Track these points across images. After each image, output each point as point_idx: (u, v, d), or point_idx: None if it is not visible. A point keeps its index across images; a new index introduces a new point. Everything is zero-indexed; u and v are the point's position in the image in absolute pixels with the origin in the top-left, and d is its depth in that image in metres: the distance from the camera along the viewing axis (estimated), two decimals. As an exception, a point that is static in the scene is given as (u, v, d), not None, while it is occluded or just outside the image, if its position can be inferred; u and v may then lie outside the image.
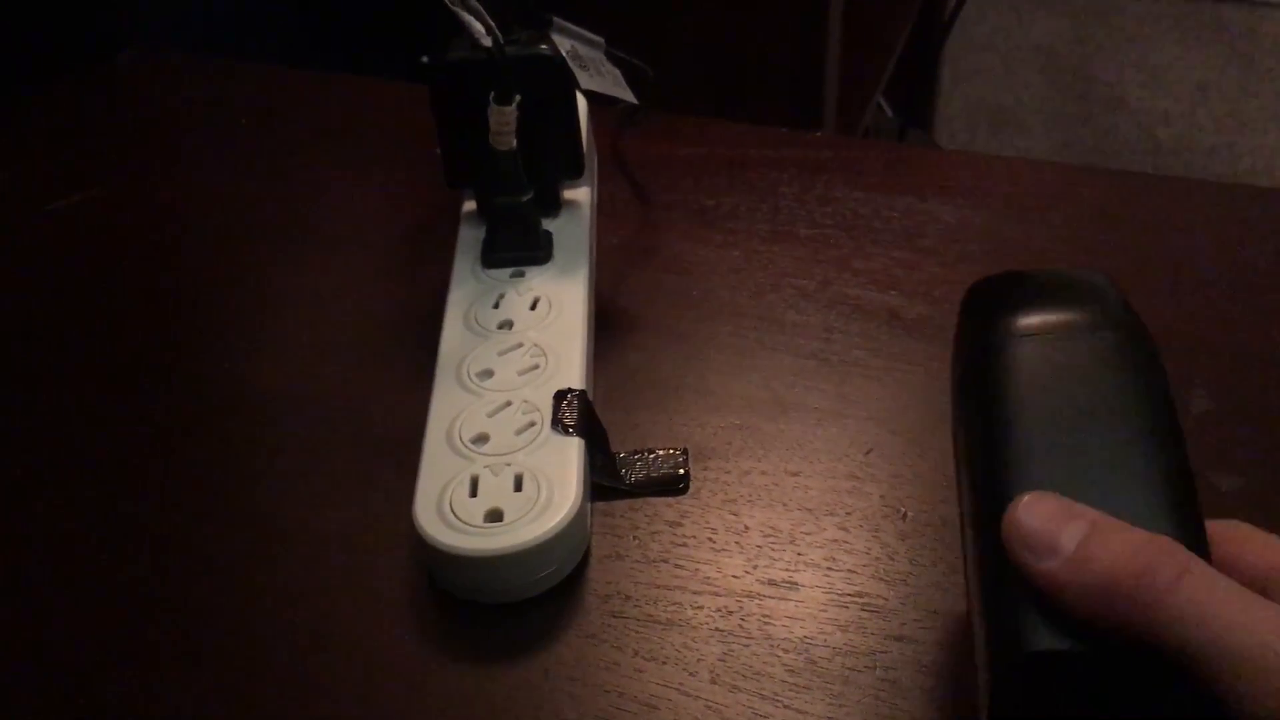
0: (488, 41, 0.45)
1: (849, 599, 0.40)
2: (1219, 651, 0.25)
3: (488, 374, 0.44)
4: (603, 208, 0.58)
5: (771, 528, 0.42)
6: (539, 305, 0.47)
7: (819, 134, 0.64)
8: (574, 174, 0.51)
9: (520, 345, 0.45)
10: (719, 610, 0.40)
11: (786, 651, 0.38)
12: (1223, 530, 0.30)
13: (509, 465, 0.41)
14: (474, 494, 0.40)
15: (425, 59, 0.48)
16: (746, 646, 0.39)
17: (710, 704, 0.37)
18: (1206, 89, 2.10)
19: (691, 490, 0.44)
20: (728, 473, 0.44)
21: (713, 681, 0.38)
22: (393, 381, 0.49)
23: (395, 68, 0.65)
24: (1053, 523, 0.28)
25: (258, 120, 0.68)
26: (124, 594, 0.42)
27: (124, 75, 0.74)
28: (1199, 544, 0.28)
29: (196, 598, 0.41)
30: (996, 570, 0.29)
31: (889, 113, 1.67)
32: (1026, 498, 0.28)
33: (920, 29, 1.51)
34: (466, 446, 0.42)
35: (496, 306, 0.47)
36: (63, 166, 0.65)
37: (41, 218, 0.61)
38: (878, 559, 0.41)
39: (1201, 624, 0.25)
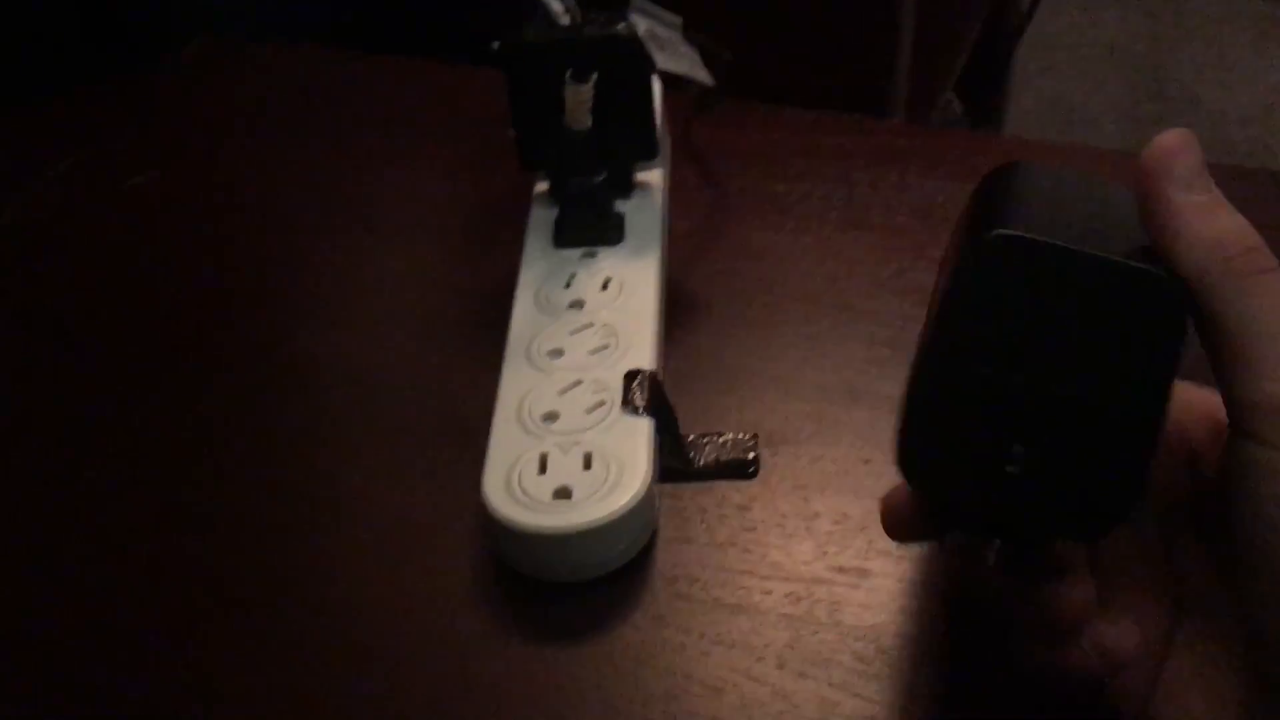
0: (565, 20, 0.44)
1: (920, 587, 0.39)
2: (1263, 336, 0.27)
3: (558, 353, 0.44)
4: (674, 193, 0.57)
5: (842, 514, 0.42)
6: (610, 286, 0.47)
7: (892, 121, 0.63)
8: (648, 156, 0.51)
9: (591, 325, 0.45)
10: (787, 596, 0.39)
11: (856, 639, 0.38)
12: None
13: (578, 444, 0.40)
14: (543, 471, 0.40)
15: (496, 44, 0.47)
16: (815, 633, 0.38)
17: (777, 689, 0.37)
18: (1285, 90, 2.05)
19: (761, 475, 0.43)
20: (798, 458, 0.44)
21: (780, 667, 0.37)
22: (463, 360, 0.49)
23: (460, 51, 0.65)
24: (1198, 166, 0.29)
25: (326, 104, 0.69)
26: (189, 572, 0.42)
27: (195, 62, 0.75)
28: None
29: (262, 577, 0.42)
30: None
31: (958, 109, 1.65)
32: (1179, 132, 0.29)
33: (992, 25, 1.49)
34: (536, 424, 0.41)
35: (568, 286, 0.47)
36: (138, 148, 0.66)
37: (114, 198, 0.62)
38: (950, 549, 0.40)
39: (1267, 307, 0.27)
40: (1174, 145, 0.29)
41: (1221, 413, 0.30)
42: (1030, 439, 0.29)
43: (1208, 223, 0.28)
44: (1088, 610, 0.31)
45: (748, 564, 0.40)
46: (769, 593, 0.39)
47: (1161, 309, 0.28)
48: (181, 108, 0.71)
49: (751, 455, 0.44)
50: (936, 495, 0.31)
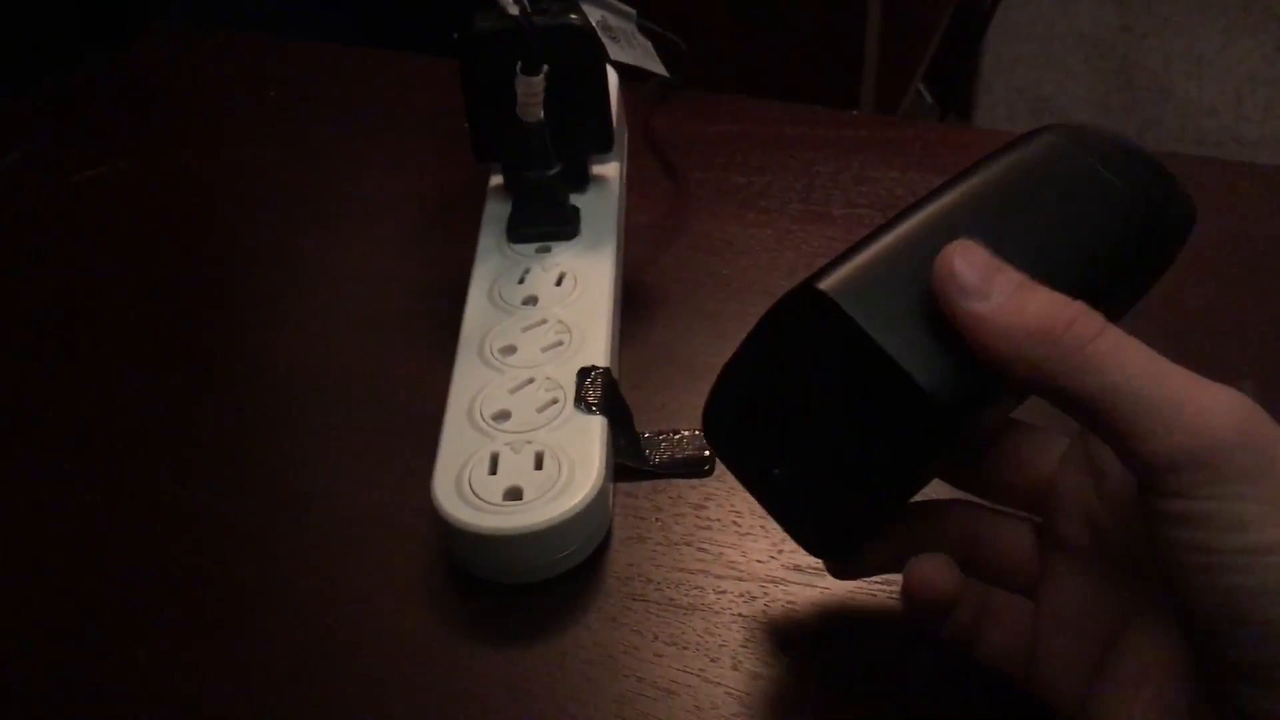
0: (514, 10, 0.44)
1: (876, 586, 0.39)
2: (1132, 397, 0.26)
3: (510, 350, 0.43)
4: (633, 185, 0.57)
5: (798, 512, 0.41)
6: (564, 281, 0.46)
7: (855, 113, 0.62)
8: (603, 148, 0.50)
9: (544, 321, 0.45)
10: (742, 595, 0.39)
11: (811, 639, 0.37)
12: None
13: (530, 443, 0.40)
14: (493, 472, 0.39)
15: (455, 36, 0.47)
16: (770, 633, 0.38)
17: (731, 690, 0.36)
18: (1254, 79, 2.06)
19: (717, 473, 0.43)
20: (755, 455, 0.43)
21: (734, 668, 0.37)
22: (415, 356, 0.48)
23: (425, 42, 0.64)
24: (986, 270, 0.29)
25: (285, 94, 0.68)
26: (144, 567, 0.41)
27: (152, 49, 0.74)
28: None
29: (213, 573, 0.41)
30: None
31: (928, 99, 1.65)
32: (959, 244, 0.29)
33: (961, 14, 1.48)
34: (487, 423, 0.41)
35: (521, 282, 0.47)
36: (90, 139, 0.65)
37: (66, 189, 0.61)
38: (908, 546, 0.40)
39: (1120, 370, 0.27)
40: (951, 258, 0.29)
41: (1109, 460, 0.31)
42: (792, 460, 0.32)
43: (1018, 317, 0.28)
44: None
45: (703, 563, 0.40)
46: (724, 593, 0.39)
47: (920, 421, 0.29)
48: (137, 97, 0.69)
49: (707, 453, 0.43)
50: (727, 462, 0.35)
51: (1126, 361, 0.27)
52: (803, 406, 0.31)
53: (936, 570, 0.33)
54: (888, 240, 0.31)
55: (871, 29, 1.05)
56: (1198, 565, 0.26)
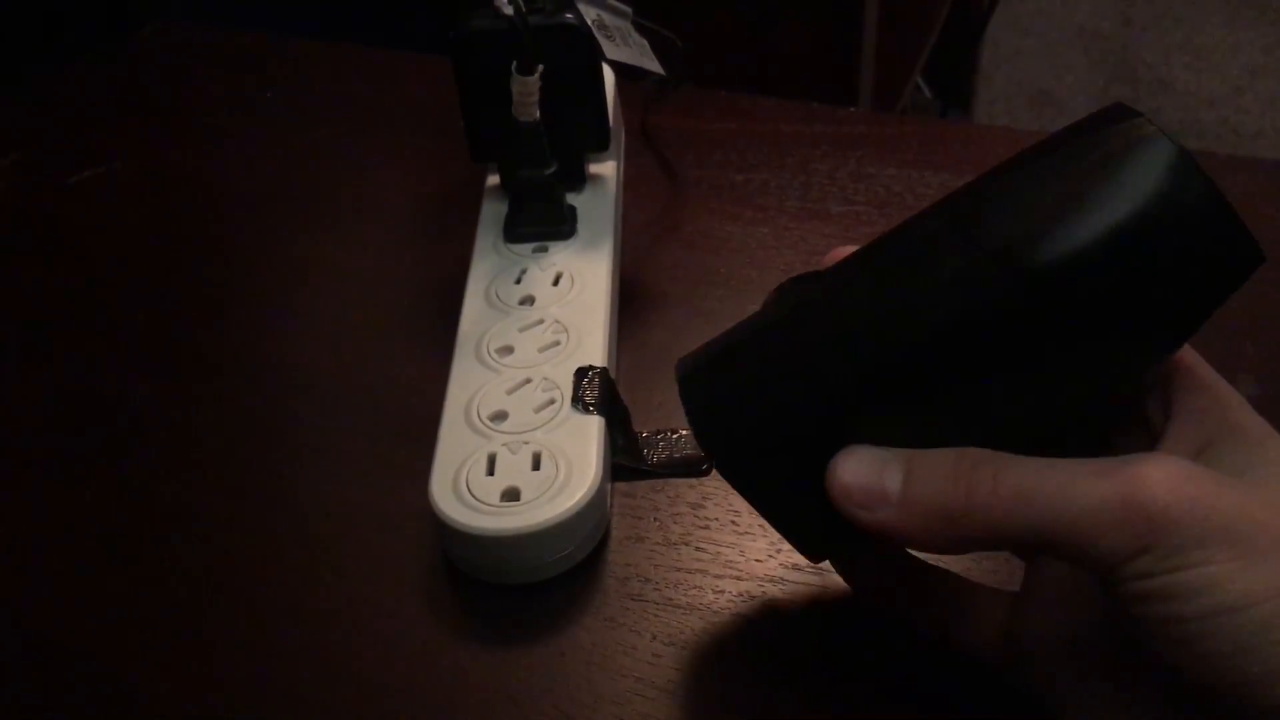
0: (509, 10, 0.43)
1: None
2: (1058, 518, 0.27)
3: (508, 350, 0.43)
4: (630, 183, 0.56)
5: (796, 511, 0.41)
6: (561, 281, 0.46)
7: (853, 109, 0.62)
8: (599, 147, 0.50)
9: (541, 321, 0.44)
10: (740, 595, 0.39)
11: (809, 638, 0.37)
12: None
13: (527, 444, 0.40)
14: (491, 472, 0.39)
15: (451, 34, 0.47)
16: (768, 632, 0.38)
17: (728, 691, 0.36)
18: (1254, 71, 2.05)
19: (715, 472, 0.43)
20: (753, 454, 0.43)
21: (732, 668, 0.37)
22: (413, 357, 0.48)
23: (421, 41, 0.64)
24: (872, 473, 0.29)
25: (280, 93, 0.68)
26: (140, 568, 0.41)
27: (147, 49, 0.74)
28: None
29: (210, 574, 0.41)
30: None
31: (928, 94, 1.65)
32: (841, 459, 0.30)
33: (961, 8, 1.48)
34: (485, 424, 0.41)
35: (518, 282, 0.47)
36: (86, 141, 0.65)
37: (63, 189, 0.61)
38: (906, 545, 0.40)
39: (1036, 506, 0.27)
40: (837, 479, 0.30)
41: None
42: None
43: (915, 514, 0.29)
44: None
45: (701, 563, 0.40)
46: (722, 592, 0.39)
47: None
48: (133, 97, 0.69)
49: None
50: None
51: (1035, 493, 0.27)
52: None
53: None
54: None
55: (869, 24, 1.05)
56: (1173, 638, 0.26)
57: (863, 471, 0.29)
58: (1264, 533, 0.26)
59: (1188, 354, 0.31)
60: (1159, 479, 0.26)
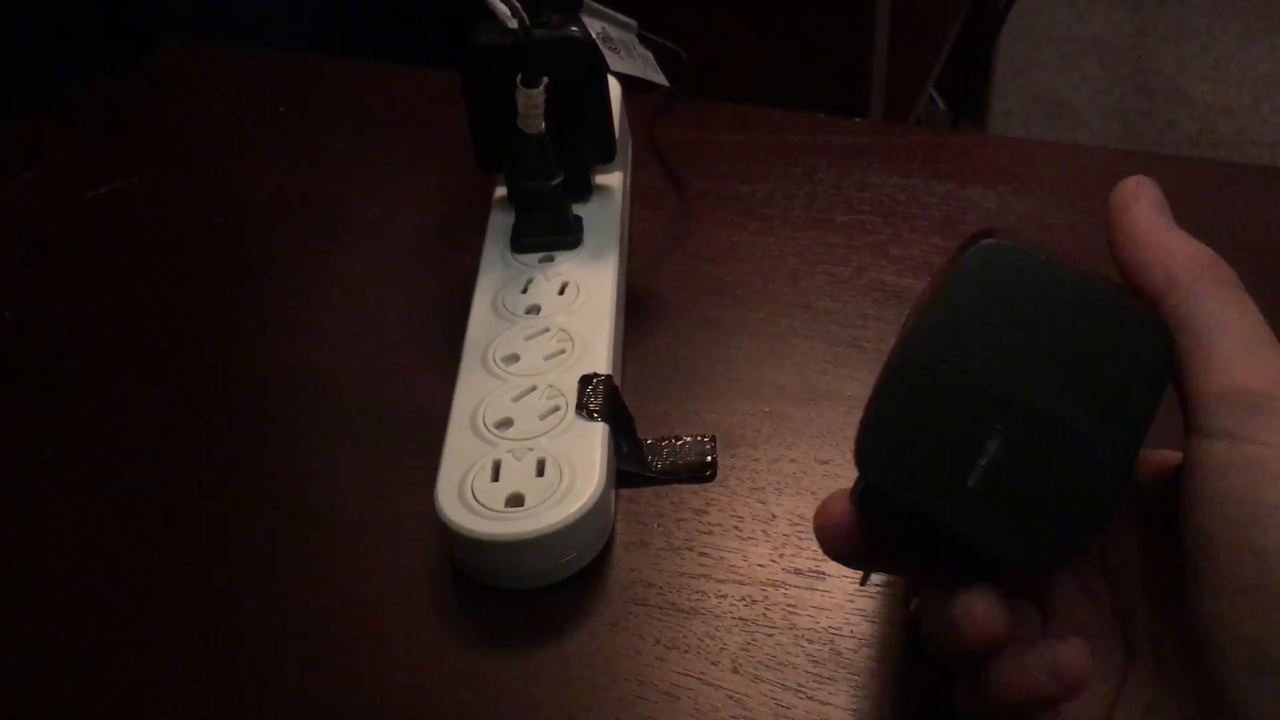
0: (513, 24, 0.44)
1: (876, 589, 0.39)
2: (1225, 335, 0.28)
3: (513, 359, 0.44)
4: (637, 194, 0.57)
5: (799, 516, 0.41)
6: (567, 290, 0.47)
7: (858, 120, 0.63)
8: (605, 158, 0.50)
9: (547, 330, 0.45)
10: (743, 599, 0.39)
11: (811, 642, 0.38)
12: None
13: (532, 450, 0.40)
14: (496, 479, 0.39)
15: (459, 48, 0.47)
16: (770, 636, 0.38)
17: (732, 694, 0.36)
18: (1271, 81, 2.05)
19: (719, 478, 0.43)
20: (756, 460, 0.44)
21: (735, 671, 0.37)
22: (421, 366, 0.49)
23: (429, 56, 0.65)
24: (1164, 202, 0.32)
25: (295, 108, 0.69)
26: (149, 575, 0.42)
27: (165, 66, 0.75)
28: None
29: (220, 580, 0.41)
30: None
31: (942, 105, 1.65)
32: (1137, 177, 0.32)
33: (974, 19, 1.48)
34: (490, 431, 0.41)
35: (525, 291, 0.47)
36: (105, 156, 0.66)
37: (82, 204, 0.62)
38: (907, 549, 0.40)
39: (1233, 314, 0.29)
40: (1141, 182, 0.32)
41: (1168, 461, 0.31)
42: (998, 451, 0.28)
43: (1180, 241, 0.30)
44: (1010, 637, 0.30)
45: (704, 568, 0.40)
46: (724, 596, 0.39)
47: (1151, 349, 0.28)
48: (150, 113, 0.70)
49: (709, 458, 0.44)
50: (888, 495, 0.29)
51: (1244, 313, 0.29)
52: (1002, 388, 0.28)
53: (988, 606, 0.29)
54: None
55: (880, 36, 1.05)
56: (1234, 518, 0.26)
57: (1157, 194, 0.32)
58: None
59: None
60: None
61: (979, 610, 0.29)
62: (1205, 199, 0.55)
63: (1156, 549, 0.31)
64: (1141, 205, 0.31)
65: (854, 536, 0.32)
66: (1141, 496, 0.32)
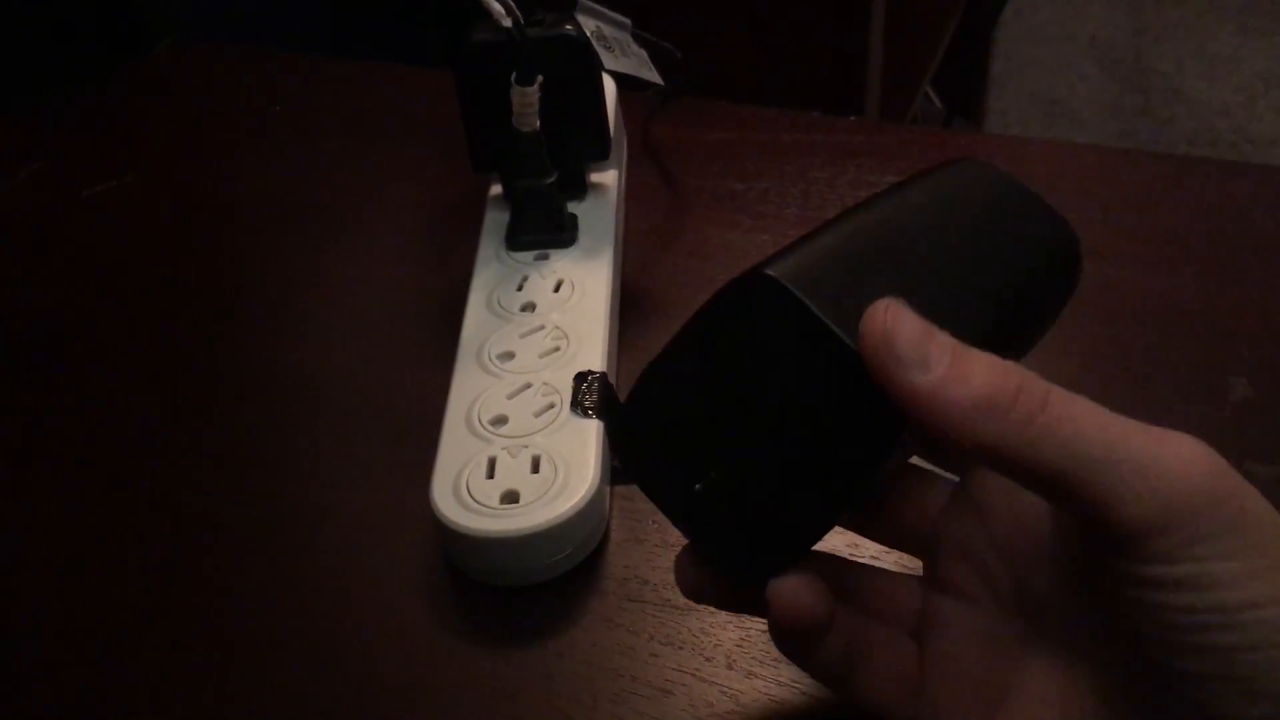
0: (507, 23, 0.44)
1: (870, 585, 0.39)
2: (1095, 466, 0.25)
3: (508, 356, 0.44)
4: (632, 192, 0.57)
5: (793, 513, 0.41)
6: (562, 288, 0.47)
7: (852, 119, 0.63)
8: (599, 156, 0.51)
9: (542, 328, 0.45)
10: (737, 595, 0.39)
11: (804, 638, 0.38)
12: None
13: (526, 447, 0.40)
14: (491, 475, 0.40)
15: (454, 47, 0.47)
16: (764, 632, 0.38)
17: (726, 689, 0.36)
18: (1267, 80, 2.05)
19: (714, 475, 0.43)
20: (750, 457, 0.44)
21: (729, 667, 0.37)
22: (416, 364, 0.49)
23: (425, 55, 0.65)
24: (920, 337, 0.26)
25: (290, 108, 0.69)
26: (147, 573, 0.42)
27: (160, 66, 0.75)
28: None
29: (215, 577, 0.42)
30: None
31: (938, 104, 1.65)
32: (887, 305, 0.26)
33: (970, 18, 1.49)
34: (485, 428, 0.41)
35: (520, 289, 0.47)
36: (101, 155, 0.66)
37: (78, 203, 0.62)
38: (901, 545, 0.40)
39: (1076, 440, 0.25)
40: (882, 325, 0.26)
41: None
42: (724, 469, 0.29)
43: (962, 389, 0.26)
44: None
45: (698, 564, 0.40)
46: (718, 593, 0.39)
47: (871, 418, 0.27)
48: (146, 113, 0.70)
49: (704, 455, 0.44)
50: (639, 482, 0.31)
51: (1081, 428, 0.25)
52: (739, 408, 0.29)
53: (806, 590, 0.29)
54: (827, 239, 0.29)
55: (875, 34, 1.05)
56: (1181, 625, 0.25)
57: (913, 327, 0.26)
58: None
59: None
60: (1196, 460, 0.25)
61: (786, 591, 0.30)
62: (1202, 197, 0.55)
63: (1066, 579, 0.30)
64: (900, 363, 0.26)
65: (706, 584, 0.32)
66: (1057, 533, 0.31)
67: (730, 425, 0.29)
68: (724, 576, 0.31)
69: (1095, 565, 0.28)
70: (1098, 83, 2.09)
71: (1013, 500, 0.31)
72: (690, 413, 0.30)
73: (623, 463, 0.32)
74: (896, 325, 0.26)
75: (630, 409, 0.31)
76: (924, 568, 0.33)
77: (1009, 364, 0.26)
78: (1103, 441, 0.25)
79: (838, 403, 0.28)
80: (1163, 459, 0.25)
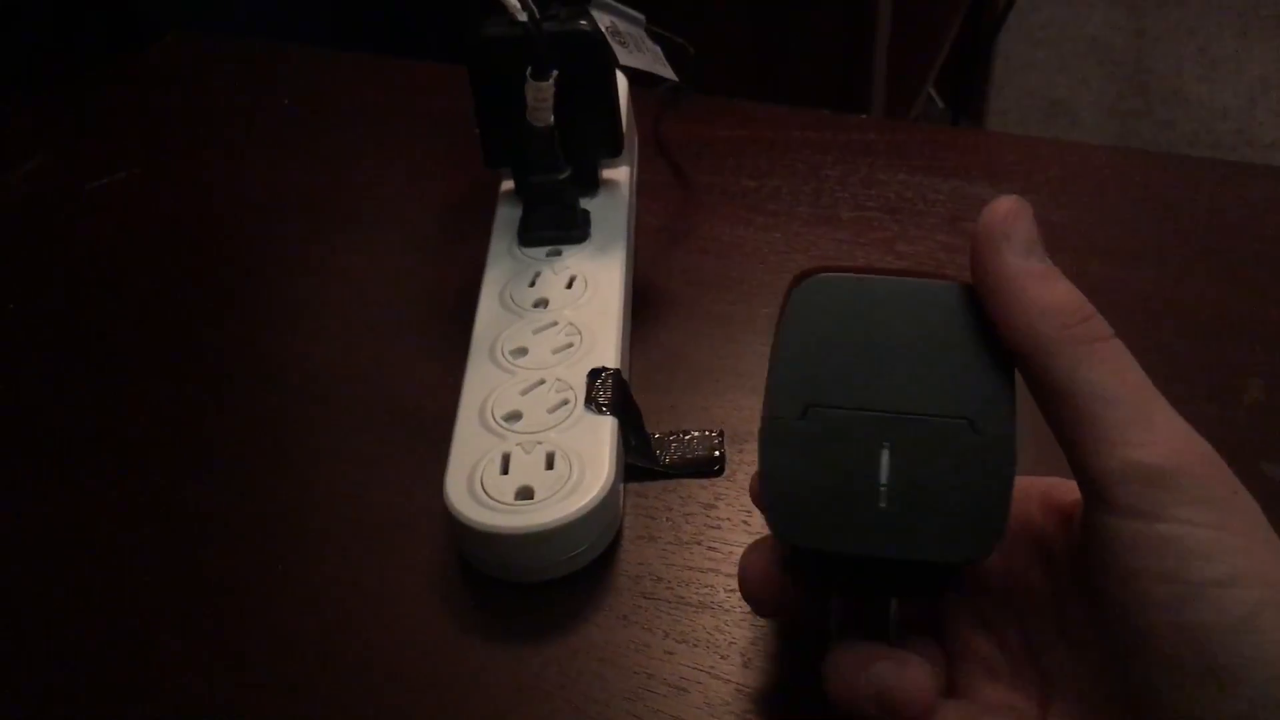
0: (523, 17, 0.44)
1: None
2: (1115, 403, 0.26)
3: (522, 352, 0.44)
4: (643, 189, 0.57)
5: (807, 511, 0.41)
6: (575, 284, 0.47)
7: (864, 116, 0.63)
8: (613, 152, 0.50)
9: (555, 324, 0.45)
10: (752, 593, 0.39)
11: (819, 636, 0.37)
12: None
13: (541, 443, 0.40)
14: (505, 471, 0.39)
15: (467, 41, 0.47)
16: (779, 631, 0.38)
17: (742, 688, 0.36)
18: (1268, 82, 2.05)
19: (727, 473, 0.43)
20: (764, 455, 0.44)
21: (744, 665, 0.37)
22: (428, 359, 0.49)
23: (436, 49, 0.65)
24: (1035, 236, 0.28)
25: (298, 101, 0.69)
26: (155, 570, 0.42)
27: (165, 59, 0.74)
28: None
29: (227, 573, 0.41)
30: None
31: (939, 104, 1.65)
32: (1008, 200, 0.28)
33: (973, 19, 1.49)
34: (499, 424, 0.41)
35: (532, 285, 0.47)
36: (105, 148, 0.66)
37: (81, 195, 0.62)
38: (916, 544, 0.40)
39: (1113, 377, 0.27)
40: (1010, 211, 0.28)
41: (1064, 497, 0.31)
42: (891, 468, 0.29)
43: (1045, 290, 0.28)
44: (923, 686, 0.30)
45: (713, 562, 0.40)
46: (733, 591, 0.39)
47: (973, 317, 0.29)
48: (150, 106, 0.70)
49: (717, 453, 0.44)
50: (814, 550, 0.30)
51: (1122, 372, 0.27)
52: (873, 407, 0.29)
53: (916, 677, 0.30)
54: None
55: (881, 33, 1.05)
56: (1159, 599, 0.25)
57: (1030, 224, 0.29)
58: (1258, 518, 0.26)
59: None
60: (1202, 442, 0.26)
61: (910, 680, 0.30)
62: (1215, 198, 0.55)
63: (1064, 589, 0.30)
64: (1011, 244, 0.28)
65: (782, 586, 0.32)
66: (1040, 534, 0.31)
67: (878, 422, 0.29)
68: (966, 561, 0.29)
69: (1087, 561, 0.28)
70: (1098, 84, 2.09)
71: (1011, 564, 0.32)
72: (831, 441, 0.29)
73: (785, 538, 0.30)
74: (1019, 214, 0.28)
75: (773, 481, 0.30)
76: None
77: (1085, 298, 0.28)
78: (1132, 389, 0.27)
79: (949, 337, 0.29)
80: (1171, 424, 0.26)
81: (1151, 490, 0.26)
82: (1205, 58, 2.11)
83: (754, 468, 0.43)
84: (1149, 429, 0.26)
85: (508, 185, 0.52)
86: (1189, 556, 0.25)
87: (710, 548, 0.41)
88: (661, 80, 0.50)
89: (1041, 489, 0.32)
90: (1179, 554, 0.25)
